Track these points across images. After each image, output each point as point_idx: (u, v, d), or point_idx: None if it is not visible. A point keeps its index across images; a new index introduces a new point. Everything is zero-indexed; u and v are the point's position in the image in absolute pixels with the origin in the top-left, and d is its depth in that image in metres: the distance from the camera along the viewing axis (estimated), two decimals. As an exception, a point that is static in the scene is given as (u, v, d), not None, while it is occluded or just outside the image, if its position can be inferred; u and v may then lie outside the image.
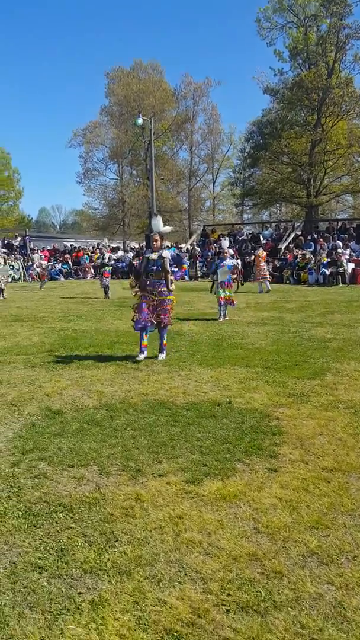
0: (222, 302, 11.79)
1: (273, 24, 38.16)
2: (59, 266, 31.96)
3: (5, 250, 21.68)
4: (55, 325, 11.19)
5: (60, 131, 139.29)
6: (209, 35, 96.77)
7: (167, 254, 7.82)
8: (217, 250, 12.95)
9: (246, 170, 47.73)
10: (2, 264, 18.82)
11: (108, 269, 18.10)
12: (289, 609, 2.52)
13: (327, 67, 35.68)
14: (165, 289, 7.70)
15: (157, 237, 7.81)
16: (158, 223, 7.91)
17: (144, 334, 7.71)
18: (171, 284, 7.78)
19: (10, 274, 19.75)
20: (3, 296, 17.83)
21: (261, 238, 25.47)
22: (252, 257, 20.10)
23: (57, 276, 30.55)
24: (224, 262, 11.86)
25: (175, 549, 3.01)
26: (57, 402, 5.73)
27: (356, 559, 2.90)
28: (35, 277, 28.05)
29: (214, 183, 57.17)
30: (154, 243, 7.82)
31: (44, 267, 23.89)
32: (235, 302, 12.10)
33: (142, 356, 7.71)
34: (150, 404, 5.62)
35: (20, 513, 3.39)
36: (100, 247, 20.84)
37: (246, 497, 3.59)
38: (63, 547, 3.03)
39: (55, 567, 2.84)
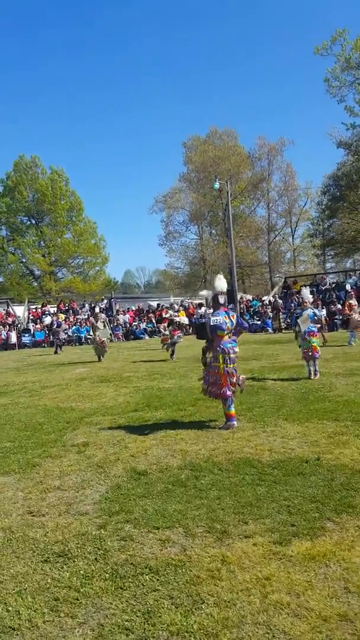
0: (310, 354, 10.86)
1: (342, 82, 38.97)
2: (143, 325, 32.76)
3: (104, 316, 20.86)
4: (140, 385, 11.41)
5: (144, 198, 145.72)
6: (280, 95, 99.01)
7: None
8: (299, 301, 12.04)
9: (325, 222, 47.64)
10: (103, 327, 18.34)
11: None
12: None
13: None
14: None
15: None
16: (223, 283, 7.64)
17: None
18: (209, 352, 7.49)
19: (109, 337, 19.12)
20: (101, 359, 17.67)
21: (348, 287, 24.93)
22: (347, 306, 19.06)
23: (141, 335, 31.29)
24: (305, 311, 11.21)
25: (263, 610, 2.94)
26: (142, 462, 5.80)
27: None
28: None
29: (293, 236, 57.37)
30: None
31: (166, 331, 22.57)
32: (318, 353, 10.98)
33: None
34: (235, 463, 5.57)
35: (107, 575, 3.43)
36: (170, 305, 19.98)
37: (336, 557, 3.45)
38: (149, 609, 3.03)
39: (142, 629, 2.85)
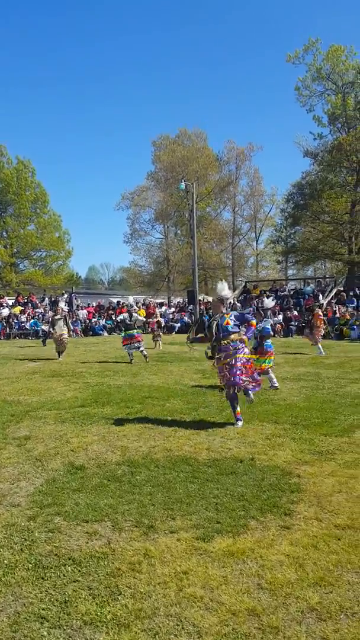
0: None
1: (312, 91, 39.71)
2: (102, 322, 32.63)
3: (66, 309, 17.95)
4: (90, 381, 11.42)
5: (111, 195, 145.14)
6: (251, 102, 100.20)
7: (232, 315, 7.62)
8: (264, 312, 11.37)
9: (288, 229, 48.33)
10: (62, 322, 16.79)
11: (136, 331, 15.72)
12: (280, 666, 2.52)
13: (365, 131, 36.40)
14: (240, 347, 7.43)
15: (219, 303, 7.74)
16: (223, 287, 7.83)
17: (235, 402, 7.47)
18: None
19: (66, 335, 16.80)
20: (60, 357, 16.65)
21: (320, 297, 25.26)
22: (311, 316, 18.15)
23: (100, 331, 31.18)
24: (261, 324, 10.40)
25: (177, 603, 3.05)
26: (81, 457, 5.86)
27: (355, 615, 2.88)
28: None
29: (257, 241, 57.99)
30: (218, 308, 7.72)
31: (160, 325, 21.16)
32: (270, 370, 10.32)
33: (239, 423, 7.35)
34: (173, 460, 5.68)
35: (30, 565, 3.49)
36: (126, 304, 17.98)
37: (254, 554, 3.59)
38: (67, 599, 3.10)
39: (57, 618, 2.92)
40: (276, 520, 4.13)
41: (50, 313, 20.29)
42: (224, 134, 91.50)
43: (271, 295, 28.16)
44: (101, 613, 2.95)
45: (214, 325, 7.47)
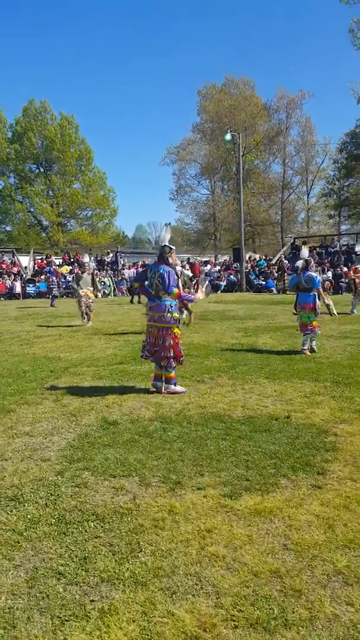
0: (305, 330, 9.26)
1: (368, 33, 37.35)
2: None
3: (93, 266, 15.81)
4: (131, 339, 11.40)
5: (156, 150, 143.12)
6: (300, 50, 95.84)
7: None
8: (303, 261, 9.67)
9: (341, 181, 46.59)
10: (90, 280, 14.91)
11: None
12: (300, 628, 2.40)
13: None
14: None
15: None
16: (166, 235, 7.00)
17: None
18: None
19: (94, 292, 14.99)
20: (84, 319, 14.71)
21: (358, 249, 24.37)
22: (353, 270, 16.93)
23: (147, 290, 31.20)
24: (305, 274, 9.28)
25: (197, 562, 2.96)
26: (115, 413, 5.82)
27: (384, 582, 2.71)
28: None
29: (308, 194, 56.13)
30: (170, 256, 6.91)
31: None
32: (316, 330, 9.28)
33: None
34: (206, 417, 5.57)
35: (53, 520, 3.46)
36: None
37: (282, 514, 3.46)
38: (87, 555, 3.05)
39: (74, 575, 2.87)
40: (308, 479, 3.98)
41: (77, 270, 18.69)
42: (272, 84, 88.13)
43: (307, 246, 27.17)
44: (119, 570, 2.89)
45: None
